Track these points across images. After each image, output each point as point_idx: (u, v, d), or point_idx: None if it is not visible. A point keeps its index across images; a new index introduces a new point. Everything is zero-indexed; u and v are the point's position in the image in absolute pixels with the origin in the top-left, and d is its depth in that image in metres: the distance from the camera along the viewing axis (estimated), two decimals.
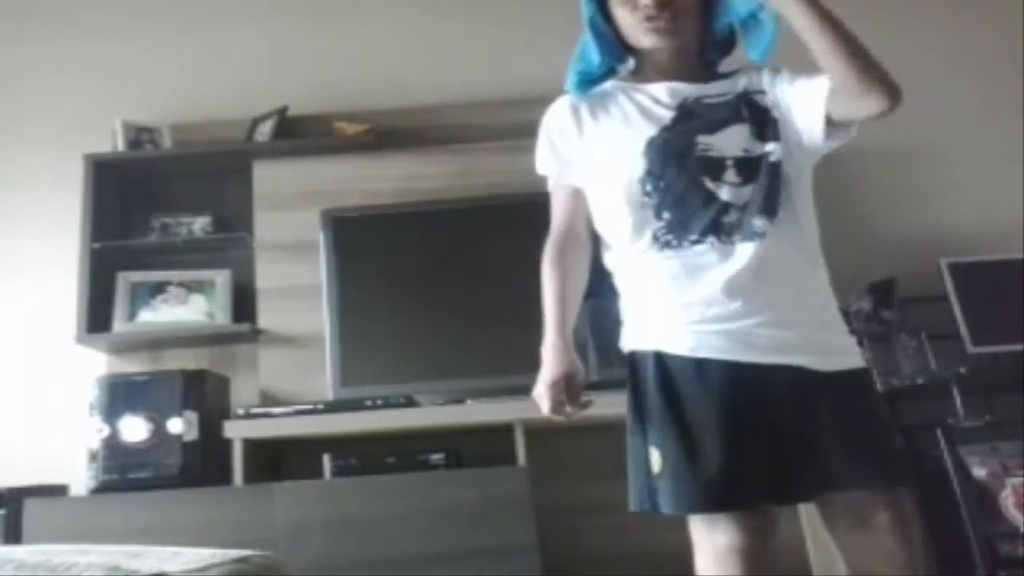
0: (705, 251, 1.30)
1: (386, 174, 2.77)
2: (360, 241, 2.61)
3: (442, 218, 2.63)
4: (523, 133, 2.85)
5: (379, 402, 2.32)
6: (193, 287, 2.76)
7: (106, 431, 2.27)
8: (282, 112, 2.85)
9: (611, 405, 2.28)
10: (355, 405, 2.33)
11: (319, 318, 2.52)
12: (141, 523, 2.11)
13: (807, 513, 2.14)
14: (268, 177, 2.78)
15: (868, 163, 2.96)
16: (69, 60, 3.10)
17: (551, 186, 1.52)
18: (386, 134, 2.84)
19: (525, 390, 2.37)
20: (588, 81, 1.46)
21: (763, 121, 1.35)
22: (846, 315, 2.57)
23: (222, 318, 2.71)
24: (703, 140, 1.33)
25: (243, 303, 2.72)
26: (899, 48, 3.07)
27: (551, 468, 2.37)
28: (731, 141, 1.33)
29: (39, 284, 2.83)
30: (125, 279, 2.73)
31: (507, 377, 2.44)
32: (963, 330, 2.52)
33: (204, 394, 2.36)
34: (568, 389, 1.34)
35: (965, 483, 2.30)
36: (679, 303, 1.31)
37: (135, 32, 3.14)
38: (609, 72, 1.46)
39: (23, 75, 3.10)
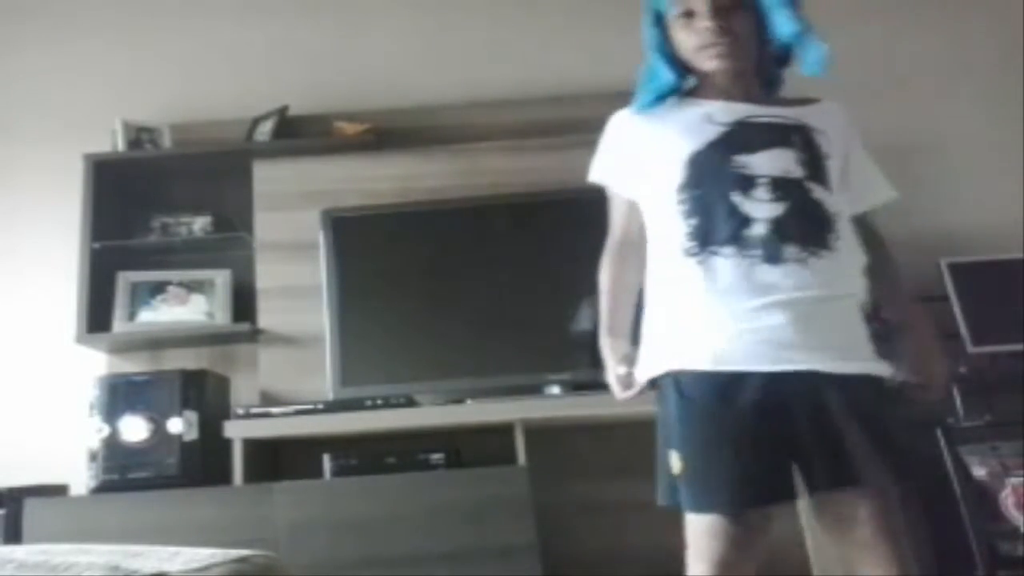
0: (726, 263, 1.34)
1: (386, 174, 2.77)
2: (360, 241, 2.60)
3: (442, 218, 2.63)
4: (523, 133, 2.89)
5: (379, 402, 2.32)
6: (193, 287, 2.76)
7: (106, 431, 2.27)
8: (282, 112, 2.85)
9: (610, 405, 2.30)
10: (355, 405, 2.33)
11: (319, 318, 2.52)
12: (141, 523, 2.11)
13: (807, 513, 2.14)
14: (268, 177, 2.78)
15: None
16: (69, 60, 3.10)
17: (610, 195, 1.59)
18: (386, 134, 2.84)
19: (525, 390, 2.40)
20: (659, 99, 1.51)
21: (813, 159, 1.39)
22: None
23: (222, 318, 2.71)
24: (739, 159, 1.38)
25: (243, 303, 2.72)
26: (900, 48, 3.09)
27: (551, 468, 2.37)
28: (769, 162, 1.38)
29: (39, 284, 2.83)
30: (125, 279, 2.73)
31: (507, 377, 2.44)
32: (963, 330, 2.52)
33: (204, 394, 2.36)
34: (628, 376, 1.48)
35: (965, 483, 2.30)
36: (703, 314, 1.35)
37: (135, 32, 3.14)
38: (676, 89, 1.52)
39: (23, 75, 3.10)
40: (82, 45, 3.12)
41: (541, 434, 2.34)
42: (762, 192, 1.36)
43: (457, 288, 2.57)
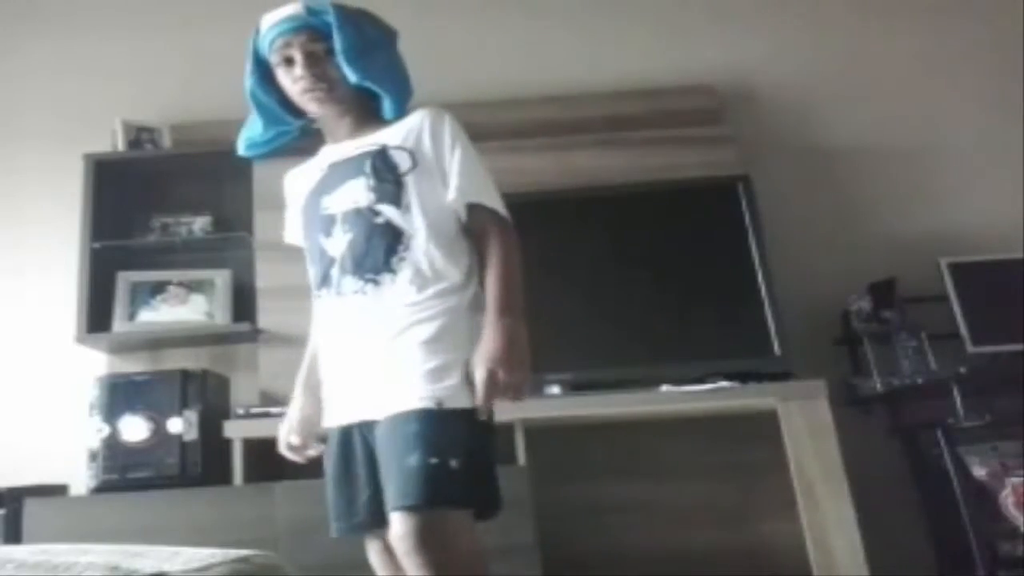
0: (323, 306, 1.48)
1: None
2: None
3: None
4: (522, 133, 2.88)
5: None
6: (193, 287, 2.76)
7: (106, 431, 2.28)
8: None
9: (610, 405, 2.30)
10: None
11: None
12: (141, 523, 2.11)
13: (807, 513, 2.14)
14: (268, 177, 2.77)
15: (868, 163, 2.97)
16: (69, 60, 3.10)
17: None
18: None
19: None
20: (256, 145, 1.66)
21: (387, 180, 1.43)
22: (846, 315, 2.60)
23: (222, 318, 2.71)
24: (324, 200, 1.48)
25: (243, 303, 2.72)
26: (899, 48, 3.09)
27: (551, 468, 2.37)
28: (344, 197, 1.45)
29: (39, 284, 2.83)
30: (125, 279, 2.73)
31: None
32: (963, 330, 2.52)
33: (204, 394, 2.36)
34: (299, 449, 1.56)
35: (965, 483, 2.30)
36: (323, 364, 1.49)
37: (135, 32, 3.14)
38: (281, 135, 1.64)
39: (23, 74, 3.10)
40: (82, 45, 3.12)
41: (541, 434, 2.34)
42: (338, 229, 1.44)
43: None
